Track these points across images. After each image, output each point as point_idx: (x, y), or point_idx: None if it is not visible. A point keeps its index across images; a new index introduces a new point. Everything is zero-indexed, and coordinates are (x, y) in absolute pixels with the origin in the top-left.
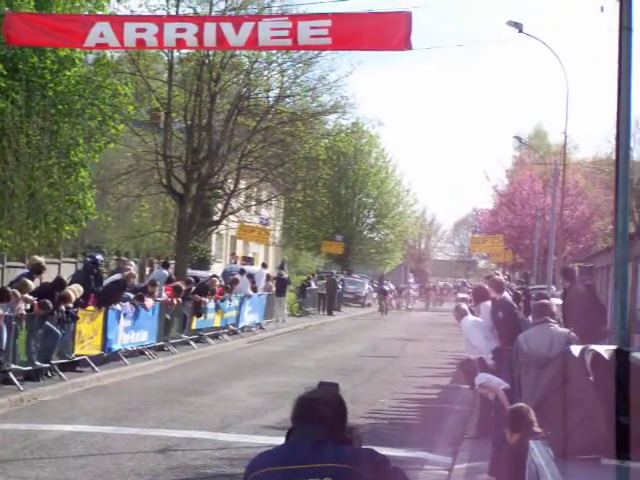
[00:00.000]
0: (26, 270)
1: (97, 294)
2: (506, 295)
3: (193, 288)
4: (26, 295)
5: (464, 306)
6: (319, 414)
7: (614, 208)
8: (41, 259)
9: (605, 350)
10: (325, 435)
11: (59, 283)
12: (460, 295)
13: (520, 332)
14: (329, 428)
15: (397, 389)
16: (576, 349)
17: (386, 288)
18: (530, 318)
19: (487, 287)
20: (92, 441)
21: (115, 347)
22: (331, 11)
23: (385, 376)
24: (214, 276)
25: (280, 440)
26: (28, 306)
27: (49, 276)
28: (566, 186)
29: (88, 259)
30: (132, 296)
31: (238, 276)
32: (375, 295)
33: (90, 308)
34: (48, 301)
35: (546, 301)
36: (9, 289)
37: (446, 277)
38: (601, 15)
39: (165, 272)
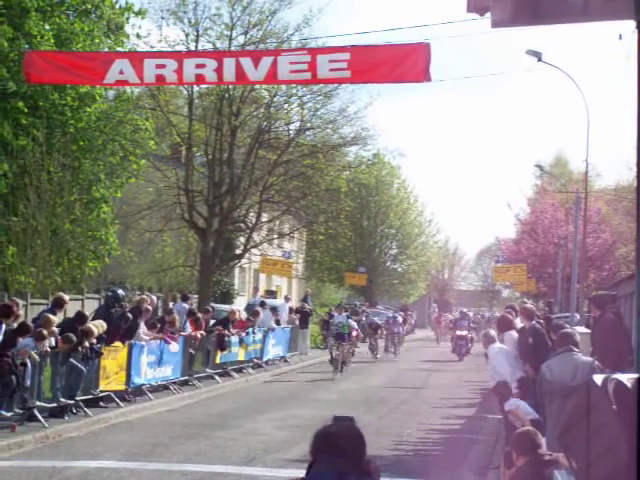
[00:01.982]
0: (48, 307)
1: (119, 329)
2: (535, 323)
3: (212, 321)
4: (53, 328)
5: (492, 332)
6: (340, 447)
7: (636, 235)
8: (64, 295)
9: (627, 378)
10: (348, 467)
11: (80, 317)
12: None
13: None
14: (350, 460)
15: (422, 420)
16: (599, 378)
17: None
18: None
19: (510, 317)
20: (118, 477)
21: (139, 382)
22: (350, 44)
23: (410, 407)
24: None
25: None
26: (53, 342)
27: (72, 312)
28: (588, 214)
29: (109, 294)
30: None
31: (259, 309)
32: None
33: (115, 344)
34: (71, 334)
35: (569, 330)
36: (31, 325)
37: (470, 307)
38: (619, 43)
39: (185, 305)
